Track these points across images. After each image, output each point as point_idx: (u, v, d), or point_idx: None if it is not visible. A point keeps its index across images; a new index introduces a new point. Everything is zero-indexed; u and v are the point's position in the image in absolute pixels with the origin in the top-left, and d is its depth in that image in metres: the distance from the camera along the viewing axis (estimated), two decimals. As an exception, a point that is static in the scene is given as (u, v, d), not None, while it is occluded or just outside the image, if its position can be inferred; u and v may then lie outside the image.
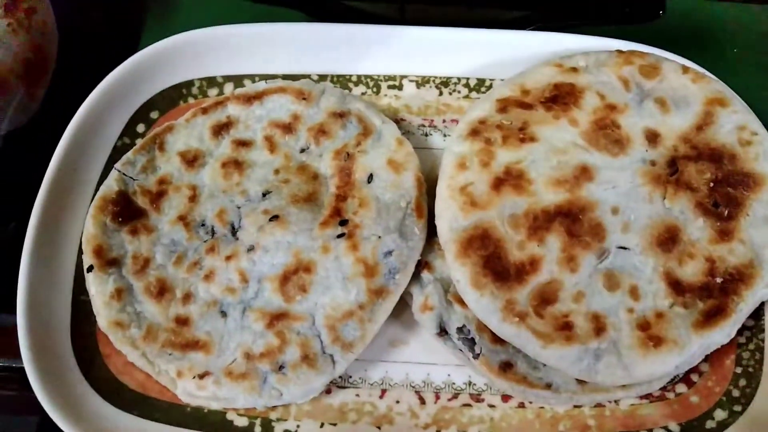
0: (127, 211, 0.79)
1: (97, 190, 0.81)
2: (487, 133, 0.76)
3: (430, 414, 0.74)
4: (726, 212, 0.73)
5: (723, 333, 0.69)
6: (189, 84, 0.89)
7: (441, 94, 0.89)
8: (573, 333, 0.68)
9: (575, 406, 0.74)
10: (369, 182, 0.79)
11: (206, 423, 0.73)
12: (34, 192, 0.79)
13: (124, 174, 0.81)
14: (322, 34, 0.89)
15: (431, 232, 0.77)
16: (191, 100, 0.89)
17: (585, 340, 0.68)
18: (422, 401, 0.75)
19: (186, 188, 0.80)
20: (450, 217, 0.73)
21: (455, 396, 0.75)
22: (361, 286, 0.73)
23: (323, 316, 0.73)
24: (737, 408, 0.73)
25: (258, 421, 0.74)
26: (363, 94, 0.89)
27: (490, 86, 0.89)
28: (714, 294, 0.70)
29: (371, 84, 0.90)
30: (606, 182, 0.74)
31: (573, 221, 0.72)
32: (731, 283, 0.70)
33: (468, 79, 0.90)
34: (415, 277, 0.76)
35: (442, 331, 0.74)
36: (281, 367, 0.72)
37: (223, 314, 0.74)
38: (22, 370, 0.71)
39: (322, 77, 0.90)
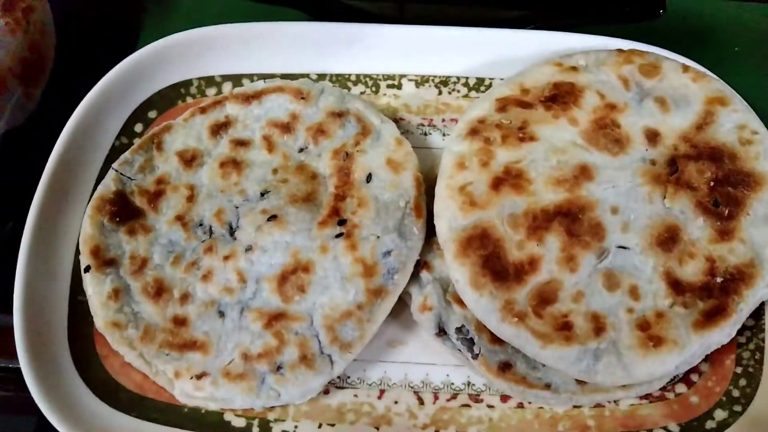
0: (124, 211, 0.79)
1: (94, 189, 0.81)
2: (486, 132, 0.76)
3: (429, 414, 0.74)
4: (726, 211, 0.72)
5: (723, 333, 0.69)
6: (187, 83, 0.89)
7: (440, 93, 0.89)
8: (572, 333, 0.68)
9: (575, 407, 0.73)
10: (368, 182, 0.79)
11: (204, 424, 0.73)
12: (31, 192, 0.78)
13: (121, 174, 0.81)
14: (320, 33, 0.89)
15: (430, 231, 0.76)
16: (189, 100, 0.89)
17: (584, 340, 0.67)
18: (421, 401, 0.75)
19: (184, 188, 0.80)
20: (449, 217, 0.73)
21: (454, 396, 0.75)
22: (360, 286, 0.73)
23: (321, 317, 0.73)
24: (737, 408, 0.73)
25: (256, 422, 0.73)
26: (362, 93, 0.89)
27: (490, 85, 0.89)
28: (714, 294, 0.69)
29: (370, 83, 0.89)
30: (606, 182, 0.73)
31: (572, 221, 0.71)
32: (731, 283, 0.70)
33: (467, 78, 0.89)
34: (414, 277, 0.76)
35: (441, 332, 0.74)
36: (279, 368, 0.71)
37: (221, 314, 0.74)
38: (19, 370, 0.71)
39: (321, 76, 0.90)
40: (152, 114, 0.88)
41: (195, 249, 0.77)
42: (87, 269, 0.76)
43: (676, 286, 0.70)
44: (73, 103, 0.83)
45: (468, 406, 0.74)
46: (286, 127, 0.83)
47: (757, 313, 0.74)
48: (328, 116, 0.83)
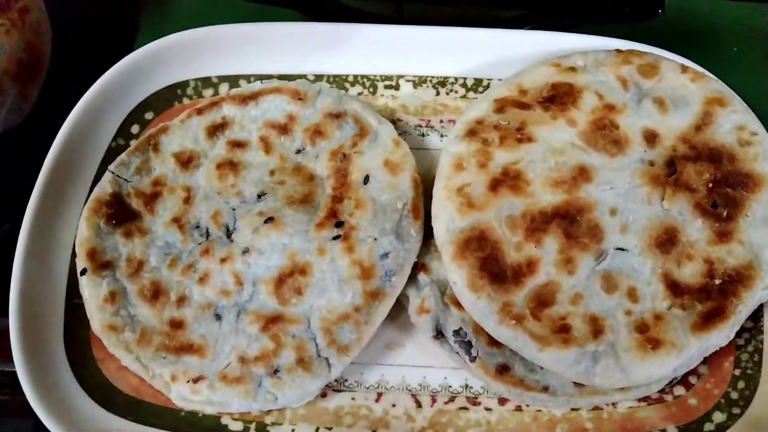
0: (121, 214, 0.78)
1: (91, 191, 0.81)
2: (484, 133, 0.76)
3: (427, 417, 0.74)
4: (725, 213, 0.72)
5: (722, 335, 0.69)
6: (184, 84, 0.89)
7: (438, 94, 0.89)
8: (570, 335, 0.67)
9: (573, 409, 0.73)
10: (365, 183, 0.78)
11: (201, 427, 0.73)
12: (27, 194, 0.78)
13: (118, 176, 0.80)
14: (318, 34, 0.88)
15: (428, 233, 0.76)
16: (186, 101, 0.88)
17: (582, 342, 0.67)
18: (418, 404, 0.74)
19: (180, 190, 0.80)
20: (447, 219, 0.72)
21: (452, 399, 0.75)
22: (357, 289, 0.73)
23: (319, 319, 0.72)
24: (736, 410, 0.72)
25: (253, 426, 0.73)
26: (359, 94, 0.89)
27: (488, 86, 0.88)
28: (713, 296, 0.69)
29: (368, 84, 0.89)
30: (604, 183, 0.73)
31: (570, 222, 0.71)
32: (730, 285, 0.70)
33: (465, 78, 0.89)
34: (412, 279, 0.75)
35: (439, 334, 0.74)
36: (276, 371, 0.71)
37: (218, 317, 0.74)
38: (15, 374, 0.71)
39: (318, 77, 0.89)
40: (149, 115, 0.87)
41: (191, 251, 0.77)
42: (83, 272, 0.76)
43: (674, 288, 0.70)
44: (70, 105, 0.83)
45: (466, 409, 0.74)
46: (283, 129, 0.83)
47: (755, 315, 0.74)
48: (326, 117, 0.82)
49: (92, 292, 0.75)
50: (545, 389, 0.71)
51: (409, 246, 0.75)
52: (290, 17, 0.92)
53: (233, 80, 0.89)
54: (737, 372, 0.74)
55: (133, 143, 0.83)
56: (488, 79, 0.89)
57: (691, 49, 0.85)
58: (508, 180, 0.73)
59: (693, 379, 0.74)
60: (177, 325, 0.74)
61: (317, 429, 0.73)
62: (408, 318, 0.76)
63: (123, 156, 0.82)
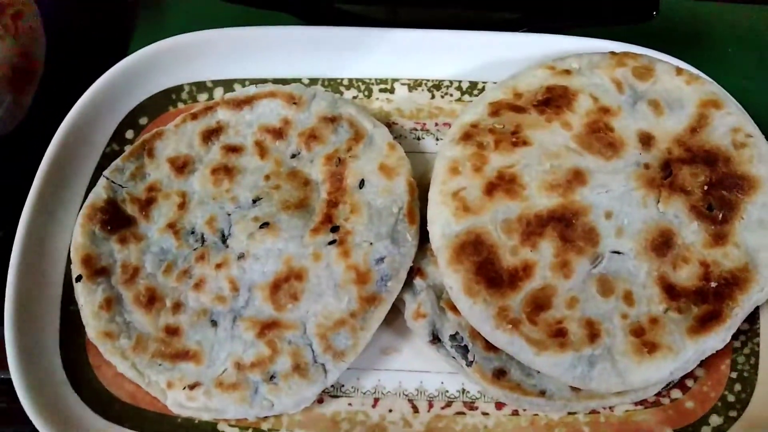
0: (115, 220, 0.78)
1: (85, 197, 0.80)
2: (479, 137, 0.76)
3: (424, 422, 0.74)
4: (720, 216, 0.72)
5: (718, 338, 0.69)
6: (178, 89, 0.88)
7: (433, 97, 0.89)
8: (567, 340, 0.67)
9: (569, 413, 0.73)
10: (361, 188, 0.78)
11: (197, 434, 0.73)
12: (22, 200, 0.78)
13: (112, 181, 0.80)
14: (312, 38, 0.88)
15: (424, 237, 0.76)
16: (181, 105, 0.88)
17: (579, 346, 0.67)
18: (415, 409, 0.74)
19: (175, 195, 0.80)
20: (442, 223, 0.72)
21: (449, 404, 0.75)
22: (353, 294, 0.73)
23: (315, 325, 0.72)
24: (732, 413, 0.72)
25: (249, 432, 0.73)
26: (354, 97, 0.89)
27: (483, 89, 0.88)
28: (709, 299, 0.69)
29: (362, 87, 0.89)
30: (599, 186, 0.73)
31: (566, 226, 0.71)
32: (726, 288, 0.70)
33: (460, 81, 0.89)
34: (408, 283, 0.75)
35: (435, 339, 0.74)
36: (272, 377, 0.71)
37: (214, 323, 0.74)
38: (10, 381, 0.71)
39: (313, 81, 0.89)
40: (143, 120, 0.87)
41: (187, 257, 0.77)
42: (78, 278, 0.75)
43: (670, 291, 0.70)
44: (64, 110, 0.82)
45: (463, 413, 0.74)
46: (278, 133, 0.82)
47: (751, 318, 0.74)
48: (321, 121, 0.82)
49: (87, 298, 0.74)
50: (542, 393, 0.71)
51: (404, 250, 0.75)
52: (285, 21, 0.92)
53: (228, 84, 0.89)
54: (734, 375, 0.74)
55: (128, 148, 0.83)
56: (483, 82, 0.88)
57: (685, 51, 0.85)
58: (503, 184, 0.73)
59: (690, 382, 0.74)
60: (173, 331, 0.73)
61: (314, 435, 0.73)
62: (404, 323, 0.75)
63: (118, 161, 0.81)
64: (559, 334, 0.68)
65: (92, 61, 0.88)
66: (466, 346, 0.72)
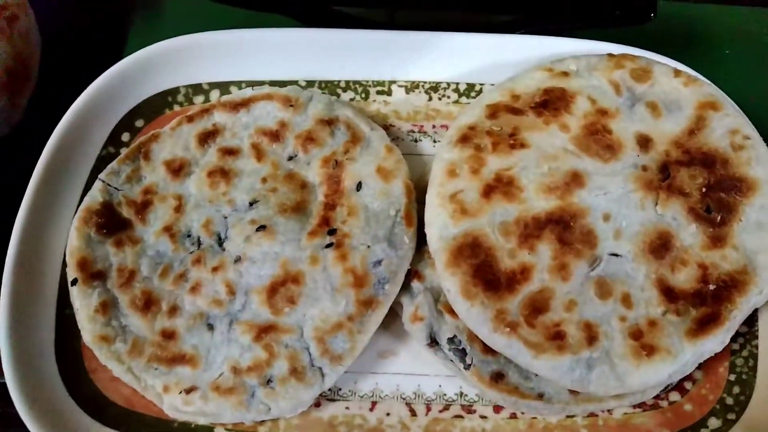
0: (111, 223, 0.78)
1: (81, 200, 0.80)
2: (477, 139, 0.75)
3: (421, 426, 0.73)
4: (719, 218, 0.72)
5: (716, 341, 0.69)
6: (174, 91, 0.88)
7: (430, 99, 0.88)
8: (565, 342, 0.67)
9: (568, 416, 0.73)
10: (358, 190, 0.78)
11: (194, 438, 0.72)
12: (17, 203, 0.77)
13: (108, 184, 0.80)
14: (309, 40, 0.88)
15: (421, 240, 0.76)
16: (177, 108, 0.88)
17: (577, 349, 0.67)
18: (413, 413, 0.74)
19: (172, 198, 0.79)
20: (440, 225, 0.72)
21: (446, 407, 0.74)
22: (350, 297, 0.72)
23: (312, 328, 0.72)
24: (731, 416, 0.72)
25: (246, 436, 0.73)
26: (351, 100, 0.88)
27: (480, 91, 0.88)
28: (707, 301, 0.69)
29: (360, 90, 0.89)
30: (597, 188, 0.73)
31: (564, 228, 0.71)
32: (724, 290, 0.69)
33: (458, 84, 0.89)
34: (405, 286, 0.75)
35: (433, 342, 0.73)
36: (269, 381, 0.71)
37: (210, 327, 0.73)
38: (5, 385, 0.70)
39: (310, 83, 0.89)
40: (139, 123, 0.87)
41: (183, 260, 0.76)
42: (74, 282, 0.75)
43: (668, 293, 0.69)
44: (59, 113, 0.82)
45: (461, 417, 0.74)
46: (275, 135, 0.82)
47: (750, 320, 0.74)
48: (317, 124, 0.82)
49: (83, 302, 0.74)
50: (540, 396, 0.71)
51: (402, 253, 0.75)
52: (282, 23, 0.91)
53: (224, 87, 0.88)
54: (732, 377, 0.74)
55: (124, 151, 0.83)
56: (481, 84, 0.88)
57: (683, 52, 0.85)
58: (501, 186, 0.73)
59: (688, 385, 0.74)
60: (169, 335, 0.73)
61: (311, 439, 0.72)
62: (402, 326, 0.75)
63: (113, 164, 0.81)
64: (557, 337, 0.67)
65: (88, 64, 0.87)
66: (463, 349, 0.72)
